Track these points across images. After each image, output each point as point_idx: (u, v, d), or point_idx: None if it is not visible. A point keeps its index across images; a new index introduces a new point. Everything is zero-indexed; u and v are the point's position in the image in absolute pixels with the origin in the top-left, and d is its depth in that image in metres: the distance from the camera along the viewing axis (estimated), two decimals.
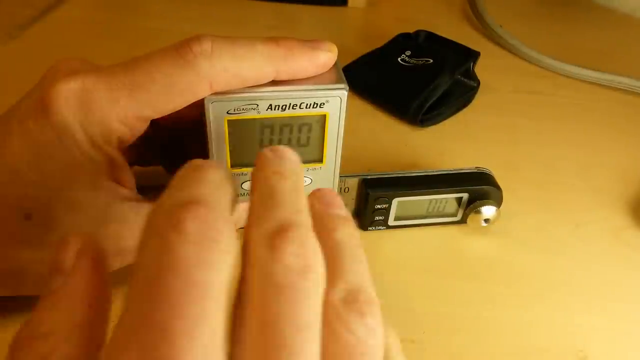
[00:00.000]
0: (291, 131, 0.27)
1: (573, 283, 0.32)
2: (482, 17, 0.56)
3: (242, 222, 0.30)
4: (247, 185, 0.28)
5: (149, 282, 0.15)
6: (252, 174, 0.20)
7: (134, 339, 0.14)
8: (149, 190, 0.28)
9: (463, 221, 0.34)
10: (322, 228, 0.20)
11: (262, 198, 0.19)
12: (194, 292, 0.14)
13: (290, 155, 0.20)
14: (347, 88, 0.26)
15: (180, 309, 0.14)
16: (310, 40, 0.25)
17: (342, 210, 0.21)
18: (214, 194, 0.17)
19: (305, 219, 0.18)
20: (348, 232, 0.20)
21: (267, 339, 0.15)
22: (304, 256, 0.16)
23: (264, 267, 0.16)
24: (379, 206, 0.32)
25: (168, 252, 0.15)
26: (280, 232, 0.17)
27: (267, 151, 0.20)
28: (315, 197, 0.21)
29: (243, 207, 0.29)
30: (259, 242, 0.17)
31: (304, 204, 0.19)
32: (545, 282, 0.32)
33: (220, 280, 0.15)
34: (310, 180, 0.29)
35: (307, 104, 0.26)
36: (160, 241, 0.15)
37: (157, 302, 0.14)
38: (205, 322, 0.14)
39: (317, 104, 0.26)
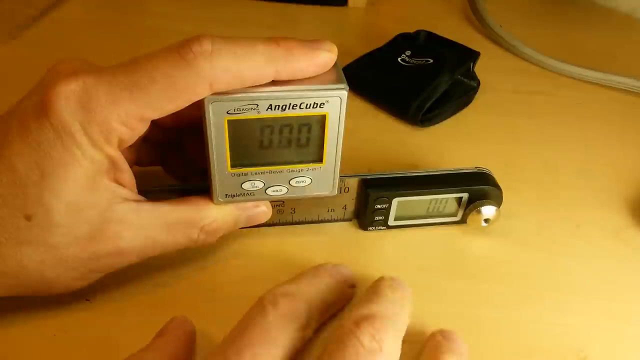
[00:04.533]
0: (291, 131, 0.27)
1: (573, 283, 0.32)
2: (482, 17, 0.56)
3: (249, 222, 0.30)
4: (246, 186, 0.28)
5: None
6: (377, 283, 0.26)
7: None
8: (150, 191, 0.28)
9: (463, 221, 0.34)
10: (434, 349, 0.25)
11: (368, 294, 0.25)
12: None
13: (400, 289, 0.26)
14: (347, 88, 0.26)
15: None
16: (311, 41, 0.25)
17: (460, 346, 0.25)
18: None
19: (397, 319, 0.24)
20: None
21: None
22: (379, 340, 0.22)
23: (341, 335, 0.22)
24: (379, 206, 0.32)
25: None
26: (368, 318, 0.22)
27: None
28: (439, 332, 0.26)
29: (247, 206, 0.29)
30: (348, 317, 0.23)
31: (400, 313, 0.25)
32: (545, 282, 0.32)
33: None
34: (310, 180, 0.29)
35: (307, 104, 0.26)
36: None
37: None
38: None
39: (317, 104, 0.26)
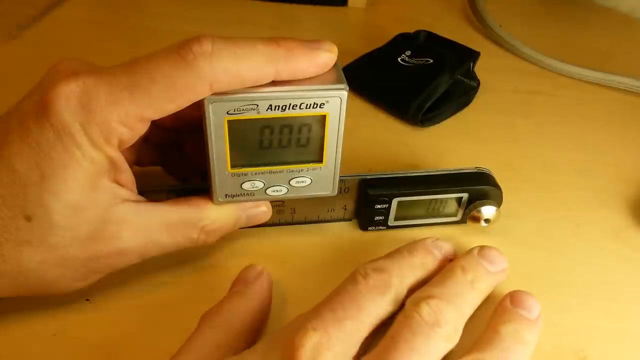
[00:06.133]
0: (291, 131, 0.27)
1: (573, 283, 0.32)
2: (482, 17, 0.56)
3: (249, 222, 0.30)
4: (246, 186, 0.28)
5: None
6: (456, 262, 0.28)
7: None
8: (150, 191, 0.28)
9: (463, 221, 0.34)
10: (498, 317, 0.26)
11: (438, 276, 0.27)
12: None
13: (490, 265, 0.28)
14: (347, 88, 0.26)
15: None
16: (311, 41, 0.25)
17: (528, 312, 0.26)
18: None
19: (459, 300, 0.25)
20: (515, 328, 0.25)
21: (389, 349, 0.23)
22: (435, 316, 0.24)
23: (406, 311, 0.24)
24: (379, 206, 0.32)
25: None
26: (427, 298, 0.24)
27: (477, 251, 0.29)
28: (509, 296, 0.27)
29: (247, 206, 0.29)
30: (411, 300, 0.25)
31: (465, 294, 0.26)
32: (544, 282, 0.32)
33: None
34: (310, 181, 0.29)
35: (307, 104, 0.26)
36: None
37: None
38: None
39: (317, 104, 0.26)
